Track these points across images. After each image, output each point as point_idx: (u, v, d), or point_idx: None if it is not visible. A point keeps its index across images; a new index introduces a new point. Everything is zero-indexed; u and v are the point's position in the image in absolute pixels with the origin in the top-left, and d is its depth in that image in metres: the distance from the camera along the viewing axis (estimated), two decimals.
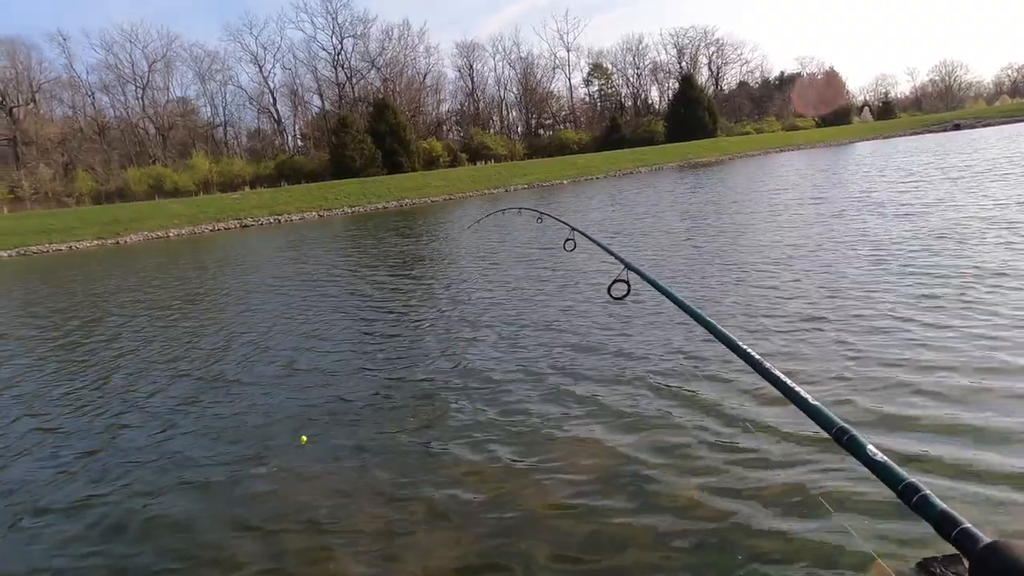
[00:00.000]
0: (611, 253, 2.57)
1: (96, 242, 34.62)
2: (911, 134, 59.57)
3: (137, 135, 62.15)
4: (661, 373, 4.52)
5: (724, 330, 1.42)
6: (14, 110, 57.19)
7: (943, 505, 0.74)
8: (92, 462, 4.12)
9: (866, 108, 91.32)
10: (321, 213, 39.51)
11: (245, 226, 37.15)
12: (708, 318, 1.55)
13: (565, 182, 45.57)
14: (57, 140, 55.78)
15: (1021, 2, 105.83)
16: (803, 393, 1.07)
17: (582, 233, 3.33)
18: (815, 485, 2.88)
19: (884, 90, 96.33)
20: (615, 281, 2.18)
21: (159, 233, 36.04)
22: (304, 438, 4.01)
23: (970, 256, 6.89)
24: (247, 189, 49.93)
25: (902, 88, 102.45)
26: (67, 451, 4.38)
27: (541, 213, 4.84)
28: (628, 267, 2.23)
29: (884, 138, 58.64)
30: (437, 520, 2.98)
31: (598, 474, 3.22)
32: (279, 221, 37.89)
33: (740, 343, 1.33)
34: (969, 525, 0.68)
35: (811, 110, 76.51)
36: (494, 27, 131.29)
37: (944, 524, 0.71)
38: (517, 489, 3.16)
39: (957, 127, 61.77)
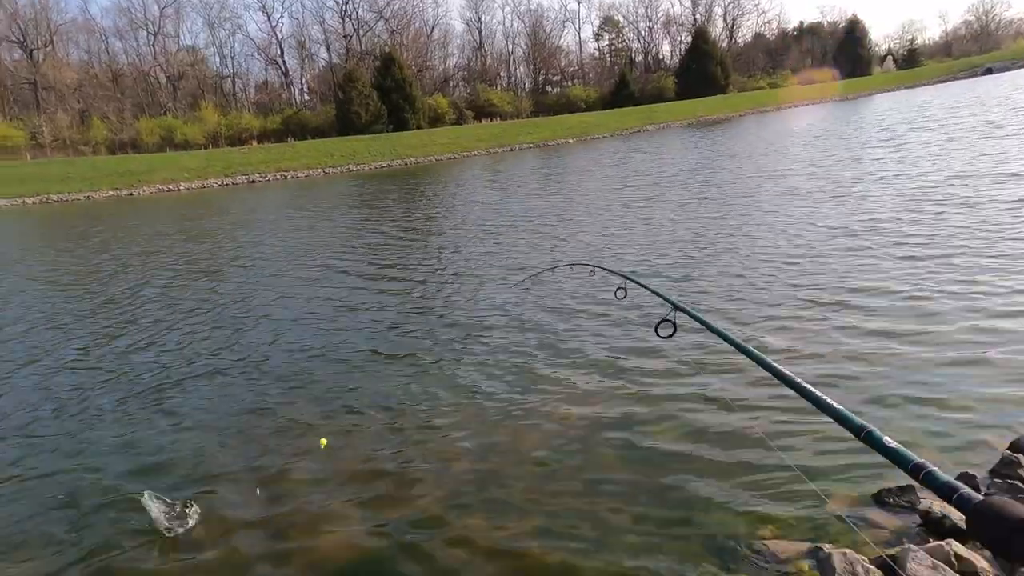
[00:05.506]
0: (660, 296, 2.70)
1: (111, 192, 36.02)
2: (935, 83, 56.87)
3: (148, 84, 62.64)
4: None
5: (772, 360, 1.51)
6: (34, 52, 57.83)
7: (945, 477, 0.90)
8: None
9: (889, 57, 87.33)
10: (326, 170, 40.38)
11: (252, 182, 38.21)
12: (754, 350, 1.62)
13: (571, 141, 45.71)
14: (74, 86, 56.60)
15: None
16: (830, 401, 1.21)
17: (634, 281, 3.39)
18: (773, 430, 3.23)
19: (911, 37, 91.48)
20: (662, 320, 2.25)
21: (170, 186, 37.25)
22: (324, 441, 3.86)
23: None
24: (254, 143, 50.74)
25: (932, 33, 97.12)
26: None
27: (593, 266, 5.14)
28: (676, 307, 2.32)
29: (908, 88, 56.21)
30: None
31: (589, 419, 3.93)
32: (285, 178, 38.88)
33: (790, 373, 1.40)
34: (967, 490, 0.83)
35: None
36: None
37: (946, 491, 0.86)
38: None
39: (989, 71, 58.42)
